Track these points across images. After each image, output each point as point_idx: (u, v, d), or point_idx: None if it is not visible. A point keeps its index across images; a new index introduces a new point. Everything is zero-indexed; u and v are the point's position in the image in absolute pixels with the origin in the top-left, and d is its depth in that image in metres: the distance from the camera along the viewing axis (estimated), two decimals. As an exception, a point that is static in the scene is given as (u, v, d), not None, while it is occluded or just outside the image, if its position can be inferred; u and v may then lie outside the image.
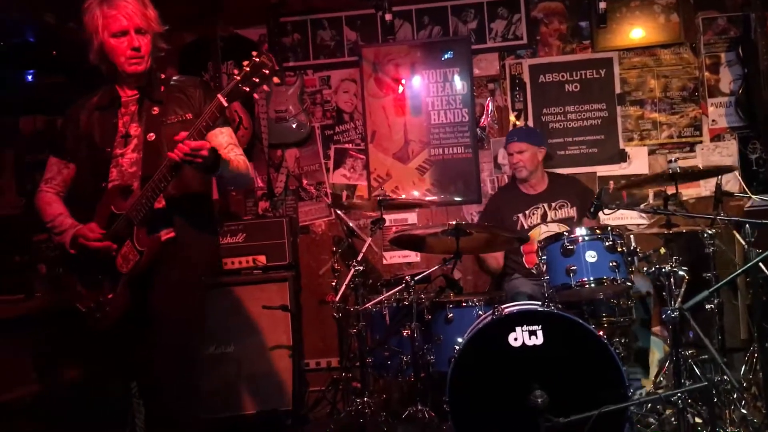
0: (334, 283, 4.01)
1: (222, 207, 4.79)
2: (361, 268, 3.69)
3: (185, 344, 2.64)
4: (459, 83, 4.82)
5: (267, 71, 2.34)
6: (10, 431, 3.05)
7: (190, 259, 2.64)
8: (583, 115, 4.78)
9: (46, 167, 2.80)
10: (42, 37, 4.06)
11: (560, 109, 4.79)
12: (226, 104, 2.38)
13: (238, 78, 2.34)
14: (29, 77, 4.50)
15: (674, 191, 3.37)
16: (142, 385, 2.84)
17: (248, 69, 2.33)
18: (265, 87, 2.43)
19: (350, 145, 4.93)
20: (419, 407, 3.36)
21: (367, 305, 3.67)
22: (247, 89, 2.35)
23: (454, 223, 3.22)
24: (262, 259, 4.43)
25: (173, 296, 2.58)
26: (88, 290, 2.63)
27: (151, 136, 2.60)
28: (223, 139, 2.70)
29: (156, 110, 2.65)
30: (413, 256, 4.77)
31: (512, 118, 4.83)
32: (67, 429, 3.37)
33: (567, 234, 3.22)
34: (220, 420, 4.08)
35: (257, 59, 2.33)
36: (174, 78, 2.78)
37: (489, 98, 4.85)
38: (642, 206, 4.41)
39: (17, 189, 4.99)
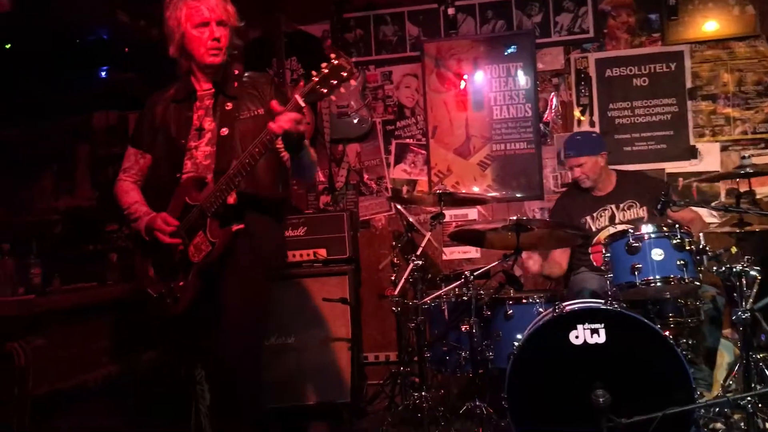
0: (393, 278, 4.02)
1: (285, 201, 4.86)
2: (420, 262, 3.67)
3: (252, 331, 2.70)
4: (522, 78, 4.76)
5: (345, 74, 2.35)
6: (85, 412, 3.18)
7: (259, 250, 2.69)
8: (652, 110, 4.65)
9: (124, 157, 2.90)
10: (115, 35, 4.20)
11: (627, 104, 4.67)
12: (303, 104, 2.41)
13: (316, 80, 2.36)
14: (102, 74, 4.67)
15: (747, 188, 3.24)
16: (208, 370, 2.92)
17: (327, 71, 2.35)
18: (341, 89, 2.43)
19: (411, 140, 4.93)
20: (477, 403, 3.33)
21: (425, 300, 3.66)
22: (325, 91, 2.37)
23: (514, 218, 3.18)
24: (322, 252, 4.47)
25: (242, 285, 2.64)
26: (160, 276, 2.72)
27: (225, 131, 2.67)
28: None
29: (230, 105, 2.70)
30: (473, 252, 4.74)
31: (577, 113, 4.73)
32: (136, 412, 3.49)
33: (632, 231, 3.12)
34: (280, 409, 4.14)
35: (336, 62, 2.34)
36: (246, 74, 2.83)
37: (553, 93, 4.77)
38: (713, 204, 4.25)
39: (92, 182, 5.20)
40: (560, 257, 4.00)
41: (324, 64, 2.36)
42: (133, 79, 4.70)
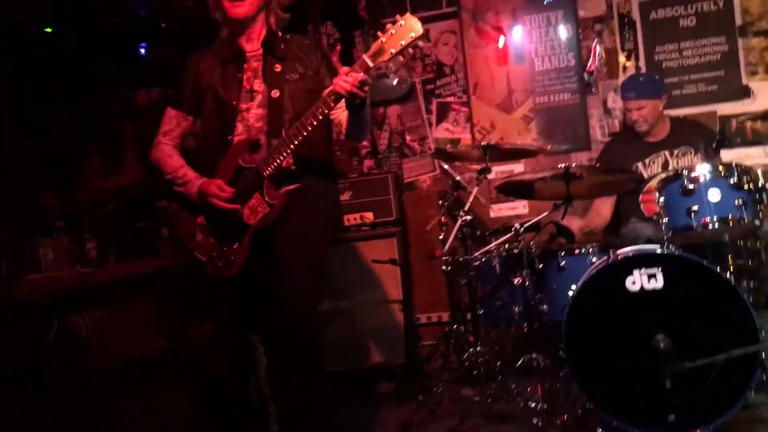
0: (441, 237, 3.99)
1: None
2: (469, 217, 3.62)
3: (314, 293, 2.73)
4: (563, 27, 4.63)
5: (414, 34, 2.31)
6: (145, 383, 3.25)
7: (317, 212, 2.71)
8: (701, 50, 4.48)
9: (163, 119, 2.84)
10: (150, 9, 4.22)
11: (674, 46, 4.51)
12: (371, 65, 2.38)
13: (385, 39, 2.33)
14: (142, 50, 4.69)
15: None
16: (264, 334, 2.94)
17: (395, 31, 2.31)
18: (410, 50, 2.39)
19: (452, 98, 4.86)
20: (534, 356, 3.30)
21: (475, 254, 3.62)
22: (394, 51, 2.33)
23: (563, 165, 3.10)
24: (369, 215, 4.47)
25: (302, 247, 2.64)
26: (210, 240, 2.72)
27: (276, 92, 2.65)
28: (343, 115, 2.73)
29: (279, 67, 2.69)
30: (521, 208, 4.68)
31: (622, 59, 4.59)
32: (195, 381, 3.56)
33: (687, 172, 3.02)
34: (337, 372, 4.18)
35: (403, 21, 2.31)
36: (288, 36, 2.81)
37: (596, 40, 4.63)
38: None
39: (138, 159, 5.26)
40: (602, 207, 3.91)
41: (389, 25, 2.34)
42: (173, 54, 4.72)
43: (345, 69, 2.43)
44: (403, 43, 2.32)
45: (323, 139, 2.75)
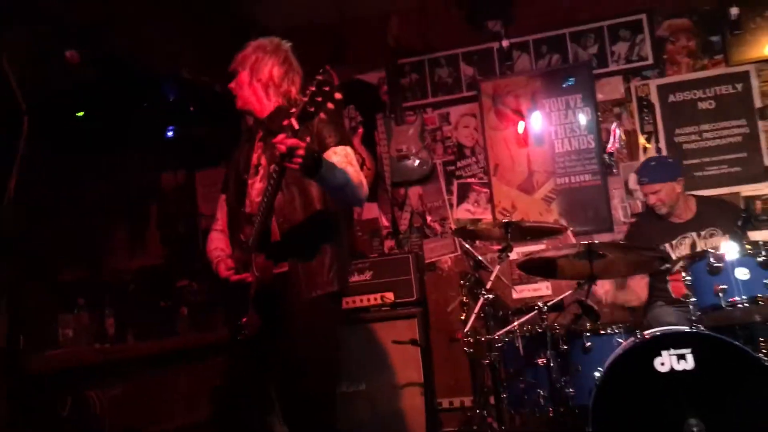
0: (462, 317, 3.92)
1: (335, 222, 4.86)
2: (491, 296, 3.56)
3: (322, 374, 2.64)
4: (582, 110, 4.70)
5: (328, 88, 2.27)
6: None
7: (310, 288, 2.63)
8: (721, 132, 4.50)
9: (217, 206, 3.00)
10: (180, 93, 4.36)
11: (695, 129, 4.54)
12: (297, 127, 2.33)
13: (306, 99, 2.31)
14: (170, 133, 4.83)
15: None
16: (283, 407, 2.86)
17: (314, 88, 2.30)
18: (329, 105, 2.37)
19: (473, 179, 4.90)
20: (560, 442, 3.17)
21: (498, 333, 3.54)
22: (313, 109, 2.30)
23: (586, 242, 3.07)
24: (390, 296, 4.43)
25: (301, 330, 2.60)
26: (231, 315, 2.73)
27: (273, 167, 2.70)
28: (335, 159, 2.61)
29: None
30: (544, 289, 4.61)
31: (642, 141, 4.62)
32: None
33: (712, 251, 2.96)
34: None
35: (320, 77, 2.28)
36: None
37: (615, 123, 4.68)
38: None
39: (161, 240, 5.33)
40: (637, 285, 3.83)
41: (310, 87, 2.29)
42: (199, 138, 4.86)
43: (280, 136, 2.35)
44: (320, 99, 2.25)
45: (308, 208, 2.68)
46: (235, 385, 2.80)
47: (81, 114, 4.44)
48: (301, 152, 2.34)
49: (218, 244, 2.89)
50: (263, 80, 2.78)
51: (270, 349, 2.67)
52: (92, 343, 3.43)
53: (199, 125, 4.70)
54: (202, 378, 3.57)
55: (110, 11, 3.70)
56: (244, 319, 2.64)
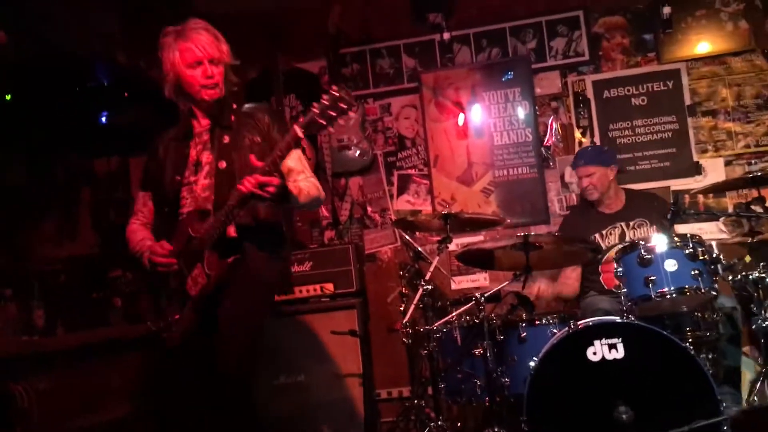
0: (401, 308, 3.93)
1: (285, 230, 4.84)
2: (430, 287, 3.59)
3: (240, 359, 2.62)
4: (521, 103, 4.77)
5: (345, 106, 2.35)
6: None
7: (258, 279, 2.67)
8: (653, 128, 4.65)
9: (135, 201, 2.96)
10: (114, 78, 4.23)
11: (627, 124, 4.67)
12: (301, 135, 2.41)
13: (317, 111, 2.36)
14: (103, 119, 4.68)
15: (757, 195, 3.20)
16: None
17: (327, 102, 2.35)
18: (340, 121, 2.43)
19: (413, 170, 4.92)
20: (496, 430, 3.22)
21: (436, 323, 3.57)
22: (324, 122, 2.38)
23: (522, 234, 3.12)
24: (329, 286, 4.41)
25: (237, 310, 2.60)
26: (159, 310, 2.68)
27: (222, 164, 2.68)
28: (292, 163, 2.71)
29: (227, 138, 2.73)
30: (482, 280, 4.68)
31: (578, 135, 4.73)
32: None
33: (643, 243, 3.06)
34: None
35: (336, 93, 2.35)
36: (245, 106, 2.86)
37: (552, 117, 4.77)
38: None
39: (93, 227, 5.16)
40: (571, 276, 3.93)
41: (324, 96, 2.37)
42: (133, 123, 4.71)
43: (256, 163, 2.45)
44: (334, 114, 2.36)
45: (270, 207, 2.74)
46: (163, 379, 2.77)
47: (9, 97, 4.26)
48: (271, 189, 2.45)
49: (145, 234, 2.85)
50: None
51: (198, 349, 2.62)
52: (20, 335, 3.30)
53: (133, 111, 4.56)
54: (134, 370, 3.49)
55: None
56: (177, 316, 2.59)
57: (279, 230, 2.86)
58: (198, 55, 2.65)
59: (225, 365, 2.56)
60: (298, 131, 2.40)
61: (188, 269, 2.64)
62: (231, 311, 2.59)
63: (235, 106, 2.83)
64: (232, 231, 2.63)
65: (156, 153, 2.86)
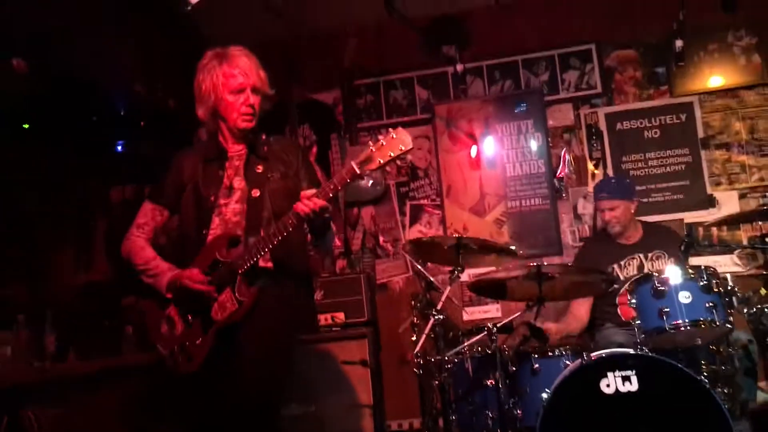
0: (413, 338, 3.91)
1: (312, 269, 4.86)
2: (441, 317, 3.56)
3: (272, 393, 2.61)
4: (533, 135, 4.79)
5: (404, 147, 2.37)
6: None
7: (285, 314, 2.65)
8: (666, 161, 4.65)
9: (139, 212, 2.86)
10: (131, 108, 4.29)
11: (640, 156, 4.68)
12: (359, 171, 2.40)
13: (374, 149, 2.38)
14: (119, 148, 4.73)
15: (771, 228, 3.18)
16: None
17: (385, 143, 2.37)
18: (398, 162, 2.46)
19: (426, 200, 4.93)
20: (508, 464, 3.18)
21: (448, 353, 3.54)
22: (382, 161, 2.37)
23: (534, 264, 3.11)
24: (340, 316, 4.40)
25: (264, 346, 2.56)
26: (175, 333, 2.65)
27: (256, 192, 2.68)
28: None
29: (260, 168, 2.73)
30: (494, 311, 4.65)
31: (590, 167, 4.73)
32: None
33: (657, 274, 3.04)
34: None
35: (395, 135, 2.37)
36: (272, 138, 2.88)
37: (564, 149, 4.78)
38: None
39: (107, 255, 5.19)
40: (579, 310, 3.90)
41: (381, 135, 2.40)
42: (150, 153, 4.76)
43: (308, 192, 2.45)
44: (392, 154, 2.36)
45: (301, 242, 2.77)
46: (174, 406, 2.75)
47: (27, 126, 4.33)
48: (327, 215, 2.51)
49: (153, 253, 2.78)
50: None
51: (214, 376, 2.60)
52: (31, 361, 3.31)
53: (149, 141, 4.62)
54: (145, 398, 3.48)
55: (61, 23, 3.62)
56: (199, 341, 2.57)
57: (307, 263, 2.87)
58: (241, 82, 2.67)
59: (250, 404, 2.52)
60: (356, 167, 2.40)
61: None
62: (259, 345, 2.56)
63: (264, 136, 2.85)
64: (267, 263, 2.62)
65: (179, 168, 2.82)
